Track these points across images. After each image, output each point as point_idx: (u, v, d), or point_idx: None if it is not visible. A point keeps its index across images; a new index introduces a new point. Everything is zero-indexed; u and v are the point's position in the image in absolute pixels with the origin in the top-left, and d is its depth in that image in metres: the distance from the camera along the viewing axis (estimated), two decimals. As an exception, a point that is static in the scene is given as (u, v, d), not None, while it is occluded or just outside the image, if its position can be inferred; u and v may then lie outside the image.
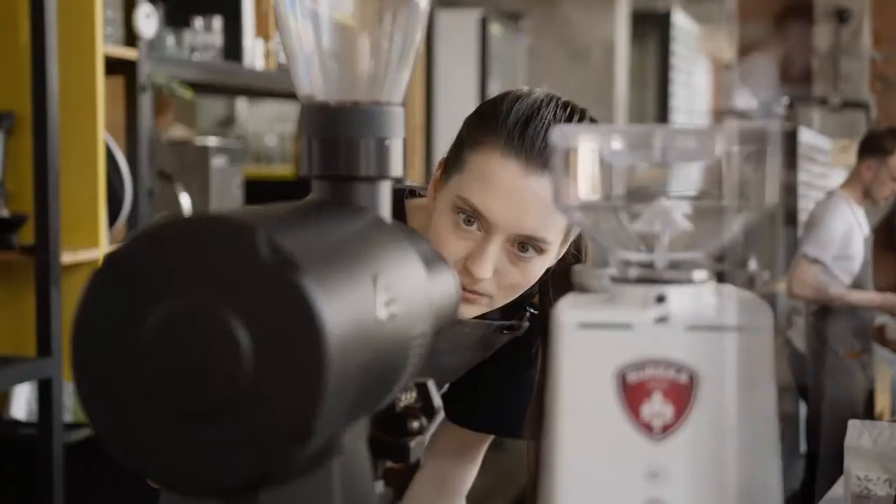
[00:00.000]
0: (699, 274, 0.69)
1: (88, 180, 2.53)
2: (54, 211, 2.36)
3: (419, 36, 0.81)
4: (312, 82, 0.79)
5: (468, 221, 1.24)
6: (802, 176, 6.66)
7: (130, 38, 2.73)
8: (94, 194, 2.53)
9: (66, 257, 2.44)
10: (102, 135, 2.55)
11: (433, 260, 0.84)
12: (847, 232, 4.21)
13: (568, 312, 0.68)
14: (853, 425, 1.85)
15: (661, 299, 0.68)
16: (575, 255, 1.37)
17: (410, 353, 0.74)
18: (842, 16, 9.37)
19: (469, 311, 1.29)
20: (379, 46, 0.79)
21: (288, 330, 0.60)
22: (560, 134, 0.69)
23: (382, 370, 0.69)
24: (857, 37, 9.42)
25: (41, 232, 2.36)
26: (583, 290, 0.75)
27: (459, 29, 5.56)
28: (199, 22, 3.12)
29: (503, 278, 1.26)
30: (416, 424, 0.83)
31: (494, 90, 6.21)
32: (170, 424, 0.61)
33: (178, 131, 4.20)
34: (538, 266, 1.28)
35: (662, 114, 7.63)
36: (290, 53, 0.79)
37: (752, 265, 0.80)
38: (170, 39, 3.02)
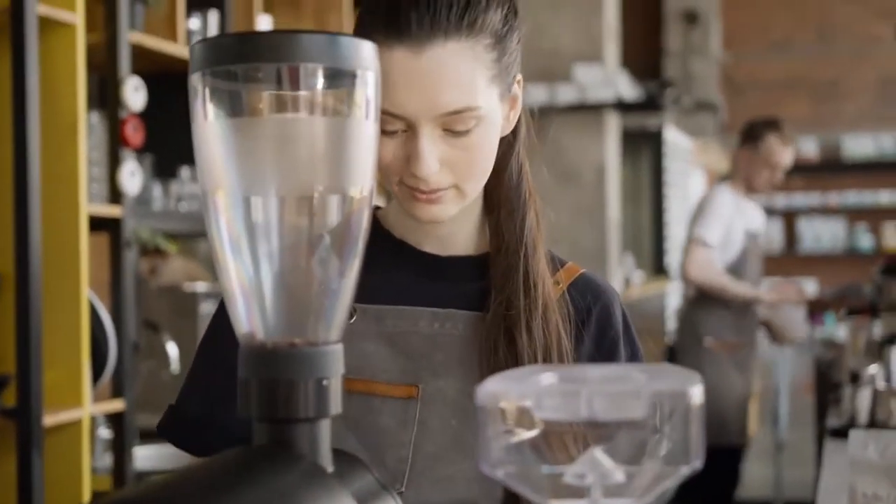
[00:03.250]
0: (632, 528, 0.69)
1: (72, 340, 2.53)
2: (36, 375, 2.36)
3: (356, 268, 0.81)
4: (251, 322, 0.79)
5: (388, 127, 1.15)
6: (666, 176, 6.71)
7: (115, 194, 2.76)
8: (78, 354, 2.53)
9: (49, 419, 2.43)
10: (86, 294, 2.56)
11: (374, 495, 0.83)
12: (729, 219, 4.23)
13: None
14: (855, 436, 1.68)
15: (591, 559, 0.67)
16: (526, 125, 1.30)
17: None
18: (690, 17, 9.46)
19: (442, 211, 1.20)
20: (316, 287, 0.80)
21: None
22: (486, 393, 0.69)
23: None
24: (706, 38, 9.53)
25: (23, 395, 2.35)
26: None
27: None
28: (185, 172, 3.16)
29: (455, 164, 1.17)
30: None
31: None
32: None
33: (177, 263, 4.21)
34: (484, 136, 1.18)
35: (657, 228, 7.67)
36: (229, 292, 0.79)
37: None
38: (157, 190, 3.06)
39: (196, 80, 0.77)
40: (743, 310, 4.27)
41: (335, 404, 0.78)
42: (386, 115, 1.14)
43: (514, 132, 1.30)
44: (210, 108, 0.77)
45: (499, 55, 1.19)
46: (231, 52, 0.77)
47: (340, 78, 0.78)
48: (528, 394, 0.69)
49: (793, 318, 4.41)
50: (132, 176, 2.76)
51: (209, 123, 0.77)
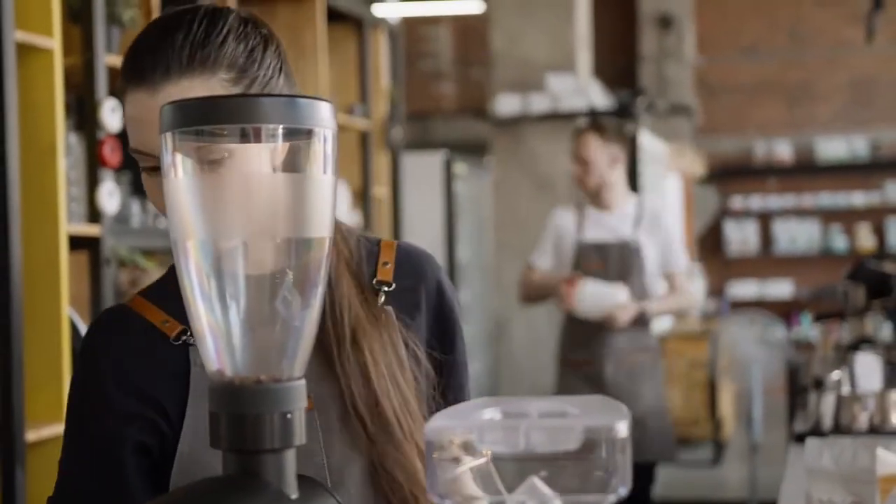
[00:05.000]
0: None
1: (53, 357, 2.58)
2: (18, 391, 2.42)
3: (317, 312, 0.88)
4: (220, 360, 0.85)
5: (145, 164, 1.21)
6: (641, 181, 6.72)
7: (94, 213, 2.81)
8: (59, 371, 2.59)
9: (32, 435, 2.49)
10: (66, 311, 2.62)
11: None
12: (557, 239, 4.23)
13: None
14: (812, 444, 1.73)
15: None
16: None
17: None
18: (664, 22, 9.56)
19: None
20: (280, 326, 0.86)
21: None
22: (433, 428, 0.76)
23: None
24: (681, 43, 9.65)
25: (5, 412, 2.41)
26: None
27: (425, 170, 5.71)
28: (163, 188, 3.21)
29: None
30: None
31: (461, 226, 6.35)
32: None
33: (157, 275, 4.24)
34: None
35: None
36: (199, 334, 0.86)
37: None
38: (135, 207, 3.11)
39: (166, 140, 0.84)
40: (586, 325, 4.14)
41: (299, 435, 0.85)
42: (137, 153, 1.21)
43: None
44: (179, 165, 0.84)
45: (244, 89, 1.23)
46: (198, 114, 0.83)
47: (299, 135, 0.85)
48: (471, 428, 0.76)
49: (598, 297, 4.21)
50: (110, 195, 2.82)
51: (179, 179, 0.84)
